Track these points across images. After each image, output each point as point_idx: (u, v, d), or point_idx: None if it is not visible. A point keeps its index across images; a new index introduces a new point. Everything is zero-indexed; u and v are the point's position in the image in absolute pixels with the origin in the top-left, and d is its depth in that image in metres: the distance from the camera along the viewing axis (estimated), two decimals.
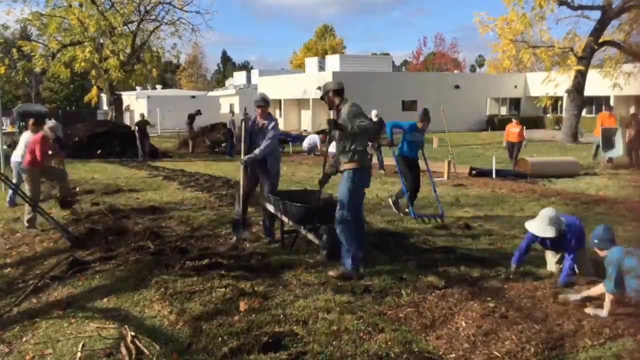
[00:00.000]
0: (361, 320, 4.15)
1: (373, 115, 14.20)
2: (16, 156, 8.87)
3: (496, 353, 3.66)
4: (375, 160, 13.03)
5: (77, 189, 11.03)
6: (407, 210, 8.17)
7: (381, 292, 4.77)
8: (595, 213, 8.43)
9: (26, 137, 8.92)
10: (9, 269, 6.21)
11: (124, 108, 30.37)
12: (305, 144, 20.63)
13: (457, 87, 36.08)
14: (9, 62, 25.30)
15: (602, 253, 4.43)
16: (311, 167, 15.21)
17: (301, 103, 37.82)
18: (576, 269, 5.05)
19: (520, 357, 3.62)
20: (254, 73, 48.99)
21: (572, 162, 13.97)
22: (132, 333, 4.02)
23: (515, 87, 38.67)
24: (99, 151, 18.94)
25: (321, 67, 39.20)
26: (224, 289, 4.85)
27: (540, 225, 4.97)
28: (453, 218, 8.00)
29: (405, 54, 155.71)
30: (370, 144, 7.62)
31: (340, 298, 4.63)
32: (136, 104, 39.94)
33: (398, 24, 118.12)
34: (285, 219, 6.18)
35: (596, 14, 22.95)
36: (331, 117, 5.33)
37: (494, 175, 12.94)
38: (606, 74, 24.27)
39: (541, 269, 5.42)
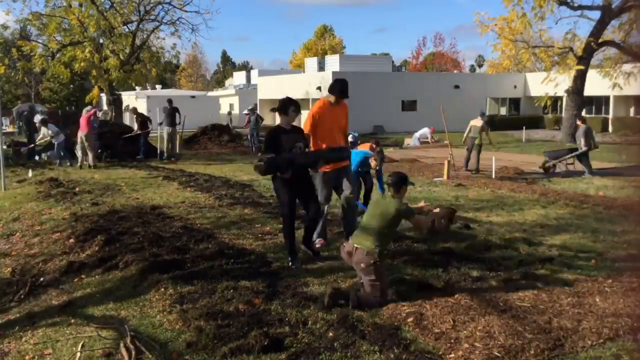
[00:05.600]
0: (361, 321, 4.16)
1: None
2: None
3: (496, 353, 3.66)
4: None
5: (77, 189, 11.03)
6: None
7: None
8: (595, 213, 8.43)
9: None
10: (8, 269, 6.21)
11: (123, 108, 30.29)
12: (417, 135, 23.52)
13: (456, 87, 36.06)
14: (9, 62, 25.26)
15: None
16: None
17: (301, 103, 37.77)
18: None
19: (520, 357, 3.61)
20: (254, 73, 48.98)
21: None
22: (132, 333, 4.02)
23: (515, 87, 38.66)
24: (99, 150, 18.89)
25: (321, 67, 39.17)
26: (223, 289, 4.85)
27: None
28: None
29: (405, 54, 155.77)
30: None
31: None
32: (136, 104, 39.92)
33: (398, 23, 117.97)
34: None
35: (596, 14, 22.93)
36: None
37: (493, 175, 13.08)
38: (606, 74, 24.25)
39: (541, 269, 5.41)
